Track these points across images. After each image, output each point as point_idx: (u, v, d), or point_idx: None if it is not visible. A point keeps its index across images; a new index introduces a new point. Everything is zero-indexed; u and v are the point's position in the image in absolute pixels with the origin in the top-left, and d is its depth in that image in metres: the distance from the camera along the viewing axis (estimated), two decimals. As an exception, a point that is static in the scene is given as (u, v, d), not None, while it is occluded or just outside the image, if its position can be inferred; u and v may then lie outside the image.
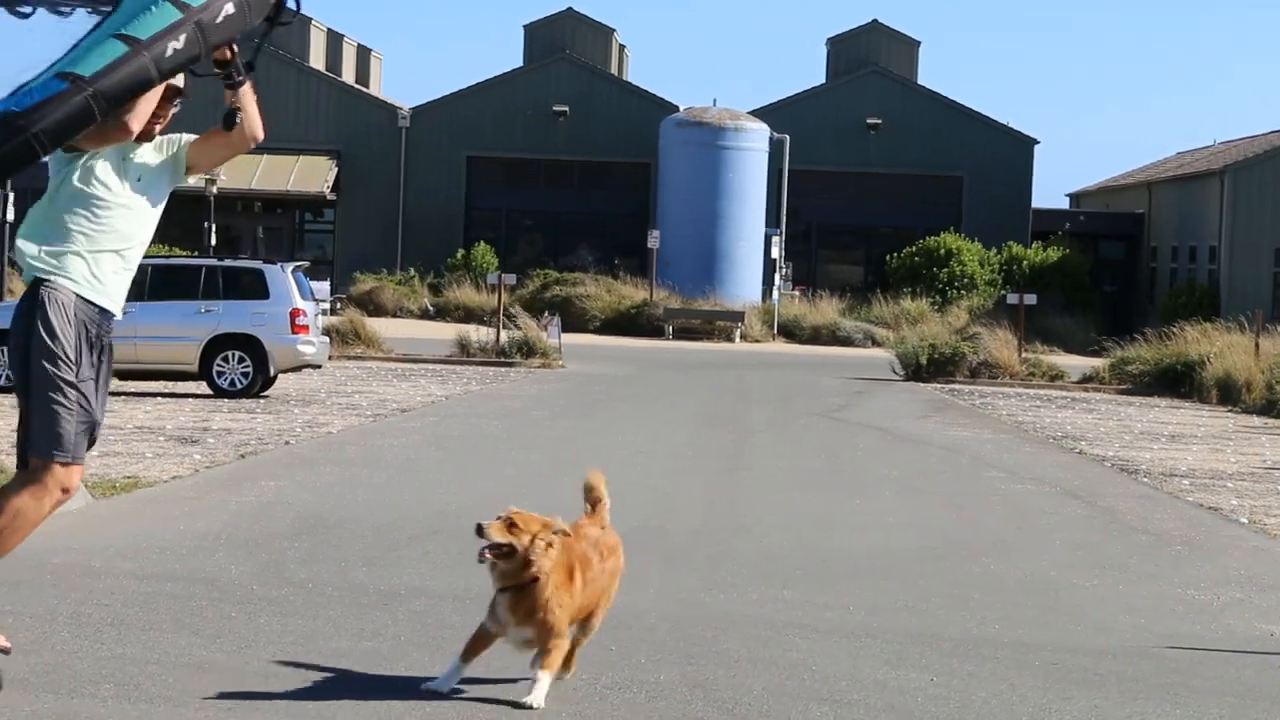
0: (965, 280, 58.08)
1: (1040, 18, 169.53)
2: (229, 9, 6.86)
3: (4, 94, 7.26)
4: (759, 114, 62.80)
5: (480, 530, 7.06)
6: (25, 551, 10.48)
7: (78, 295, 7.11)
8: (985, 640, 9.78)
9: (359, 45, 76.74)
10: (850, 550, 13.84)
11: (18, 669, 7.80)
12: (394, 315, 52.81)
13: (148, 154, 7.52)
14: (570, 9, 70.12)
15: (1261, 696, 8.60)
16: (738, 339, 53.31)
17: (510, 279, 45.98)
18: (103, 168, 7.28)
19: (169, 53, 6.69)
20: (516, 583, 7.14)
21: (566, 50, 68.20)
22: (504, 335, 40.20)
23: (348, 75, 72.67)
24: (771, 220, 59.13)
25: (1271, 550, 14.90)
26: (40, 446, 7.09)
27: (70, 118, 6.67)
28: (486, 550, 7.10)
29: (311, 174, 65.11)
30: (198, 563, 11.32)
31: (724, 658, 8.86)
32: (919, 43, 71.27)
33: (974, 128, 66.90)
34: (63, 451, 7.03)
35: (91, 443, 7.50)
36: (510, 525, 7.08)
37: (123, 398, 26.67)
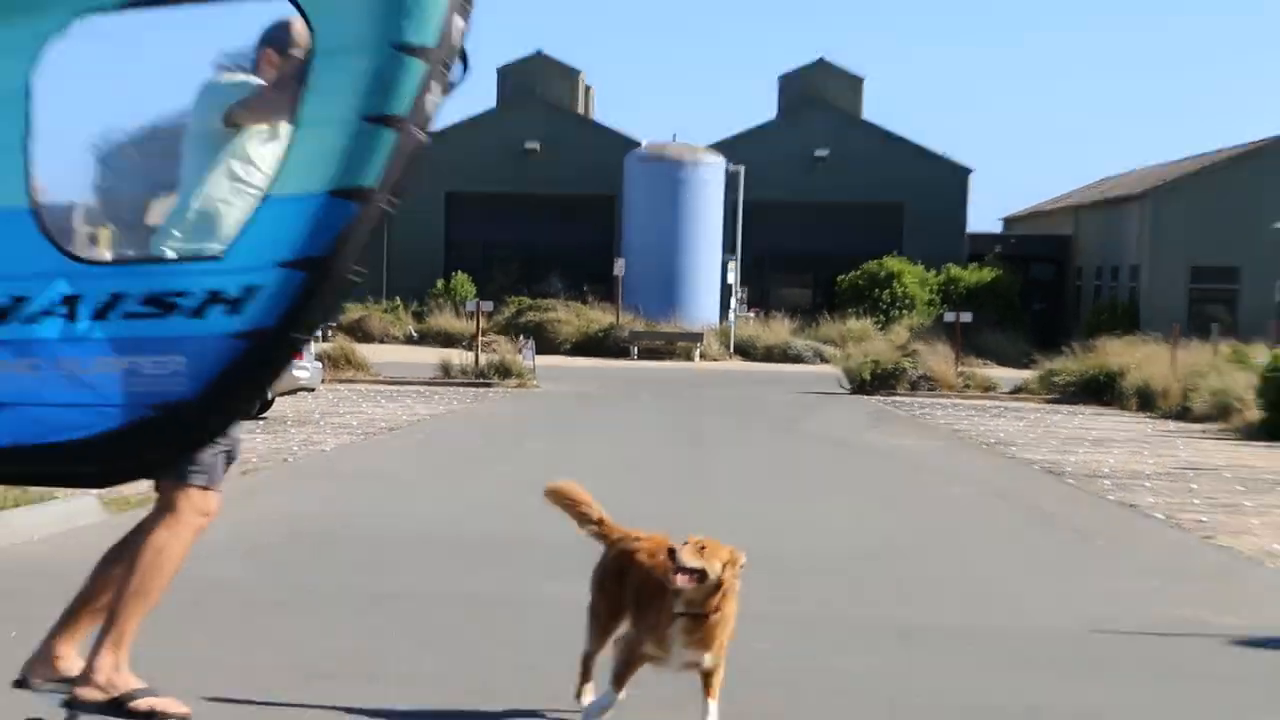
0: (906, 300, 58.95)
1: (974, 51, 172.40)
2: (459, 24, 5.83)
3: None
4: (716, 148, 63.74)
5: (673, 554, 6.71)
6: (49, 564, 11.41)
7: None
8: (925, 628, 10.17)
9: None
10: (800, 550, 13.97)
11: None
12: (380, 341, 53.42)
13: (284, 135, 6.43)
14: (540, 52, 70.77)
15: (1182, 674, 9.09)
16: (697, 358, 53.95)
17: (488, 306, 46.62)
18: (270, 150, 6.36)
19: (429, 109, 5.82)
20: (699, 610, 6.84)
21: (537, 91, 69.07)
22: (482, 358, 40.73)
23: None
24: (728, 247, 60.00)
25: (1186, 543, 15.30)
26: (174, 470, 6.36)
27: (369, 232, 5.85)
28: (678, 575, 6.69)
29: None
30: (206, 569, 11.28)
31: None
32: (863, 79, 72.17)
33: (913, 158, 67.90)
34: (199, 474, 6.34)
35: (231, 461, 6.79)
36: (700, 549, 6.78)
37: None
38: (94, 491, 14.61)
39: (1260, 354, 35.66)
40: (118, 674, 6.47)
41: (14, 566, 11.87)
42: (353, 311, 56.15)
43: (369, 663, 8.72)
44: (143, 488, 16.35)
